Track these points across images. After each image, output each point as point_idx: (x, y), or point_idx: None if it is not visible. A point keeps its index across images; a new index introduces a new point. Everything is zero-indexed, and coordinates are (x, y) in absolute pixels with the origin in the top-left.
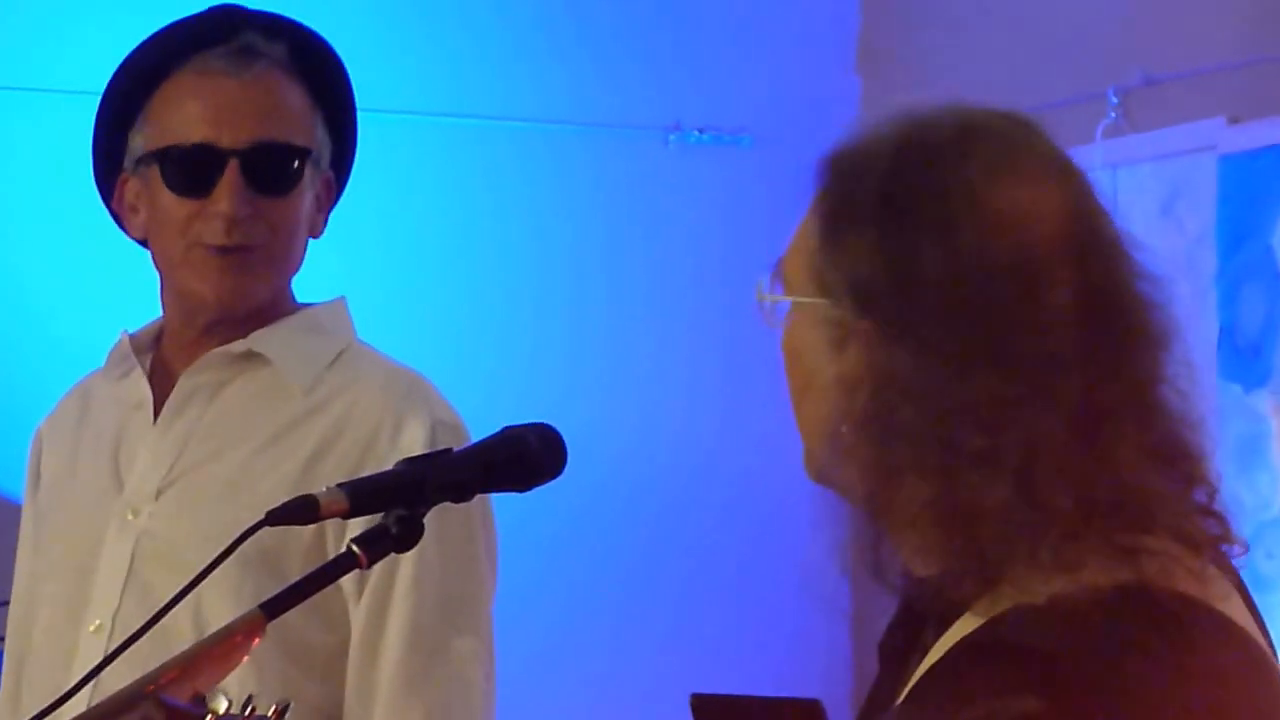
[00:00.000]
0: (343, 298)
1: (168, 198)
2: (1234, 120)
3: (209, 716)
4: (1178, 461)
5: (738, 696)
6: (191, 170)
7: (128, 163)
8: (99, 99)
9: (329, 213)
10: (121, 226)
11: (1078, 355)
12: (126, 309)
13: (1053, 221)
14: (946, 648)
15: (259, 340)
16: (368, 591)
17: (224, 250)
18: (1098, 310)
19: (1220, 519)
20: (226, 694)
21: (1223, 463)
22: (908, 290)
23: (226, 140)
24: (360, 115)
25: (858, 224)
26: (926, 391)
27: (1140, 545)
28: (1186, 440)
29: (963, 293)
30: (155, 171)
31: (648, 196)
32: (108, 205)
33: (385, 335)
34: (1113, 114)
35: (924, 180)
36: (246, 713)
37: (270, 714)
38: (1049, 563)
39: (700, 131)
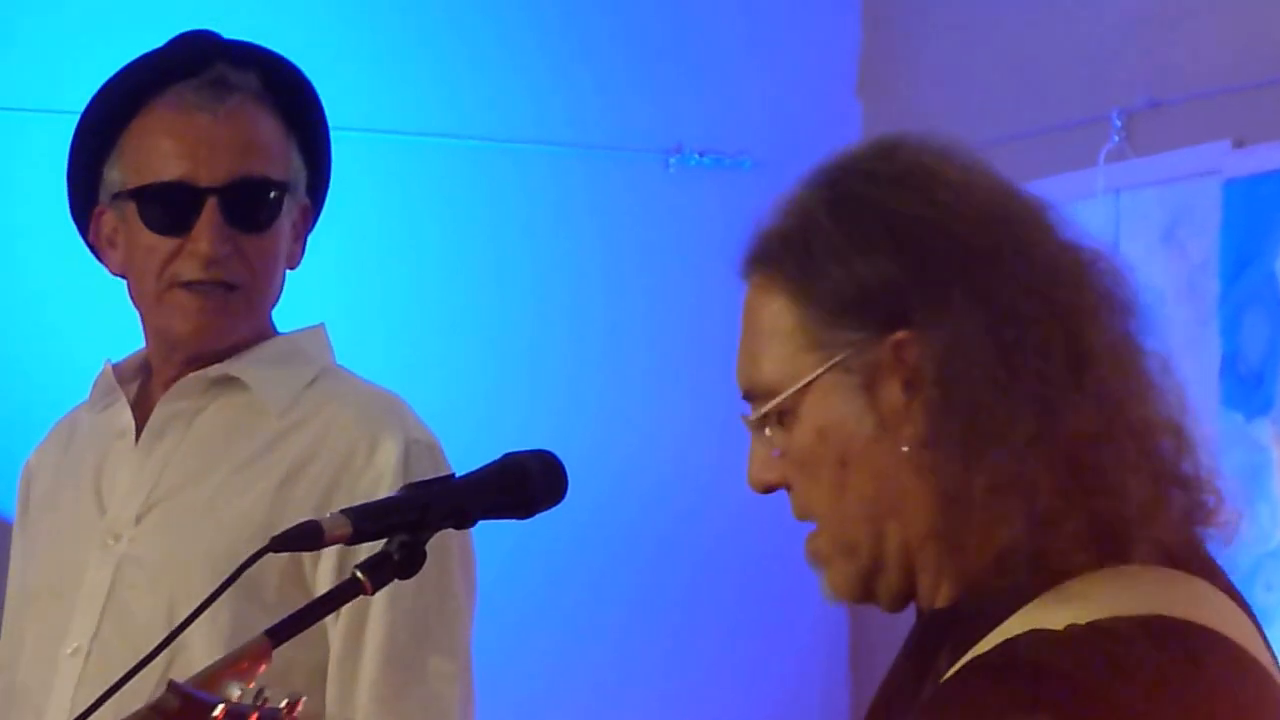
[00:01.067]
0: (321, 325)
1: (146, 236)
2: (1239, 144)
3: (221, 704)
4: (1169, 441)
5: None
6: (170, 208)
7: (103, 196)
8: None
9: (305, 240)
10: (99, 258)
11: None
12: (127, 330)
13: (999, 188)
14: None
15: (234, 365)
16: (345, 611)
17: (201, 285)
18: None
19: (1206, 488)
20: (239, 685)
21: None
22: (924, 259)
23: (204, 178)
24: (357, 136)
25: (834, 257)
26: (994, 335)
27: (1143, 573)
28: (1174, 414)
29: (973, 234)
30: (132, 209)
31: (648, 219)
32: (84, 238)
33: (382, 358)
34: (1116, 137)
35: (877, 181)
36: (258, 704)
37: (282, 706)
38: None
39: (701, 154)
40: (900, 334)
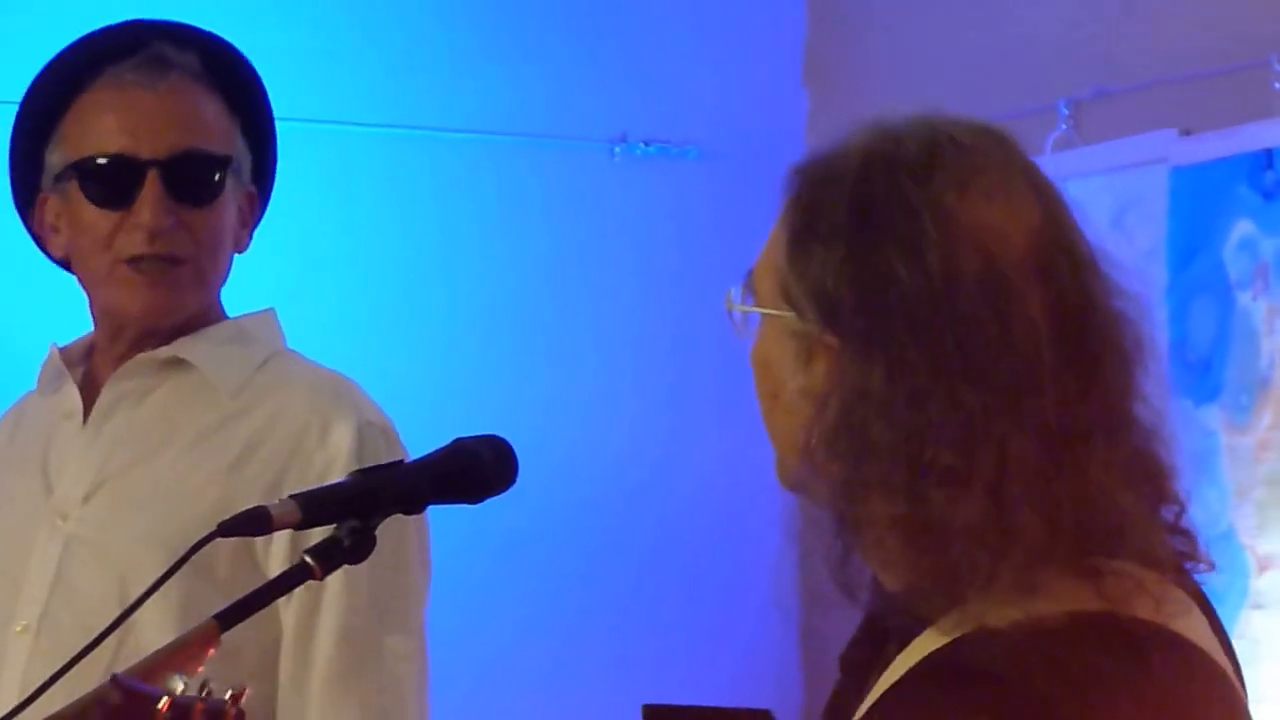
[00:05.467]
0: (271, 309)
1: (89, 211)
2: (1186, 132)
3: (165, 698)
4: (1148, 478)
5: (689, 707)
6: (111, 182)
7: (46, 181)
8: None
9: (253, 229)
10: (43, 248)
11: (1049, 372)
12: (63, 321)
13: (1022, 238)
14: (908, 664)
15: (184, 346)
16: (298, 591)
17: (147, 260)
18: (1069, 327)
19: (1187, 536)
20: (182, 678)
21: None
22: (876, 308)
23: (145, 151)
24: (299, 125)
25: (824, 238)
26: (895, 408)
27: (1104, 569)
28: (1158, 457)
29: (931, 310)
30: (74, 186)
31: (593, 209)
32: (28, 227)
33: (328, 348)
34: (1063, 125)
35: (892, 196)
36: (203, 695)
37: (227, 698)
38: (1012, 585)
39: (646, 144)
40: (834, 339)
